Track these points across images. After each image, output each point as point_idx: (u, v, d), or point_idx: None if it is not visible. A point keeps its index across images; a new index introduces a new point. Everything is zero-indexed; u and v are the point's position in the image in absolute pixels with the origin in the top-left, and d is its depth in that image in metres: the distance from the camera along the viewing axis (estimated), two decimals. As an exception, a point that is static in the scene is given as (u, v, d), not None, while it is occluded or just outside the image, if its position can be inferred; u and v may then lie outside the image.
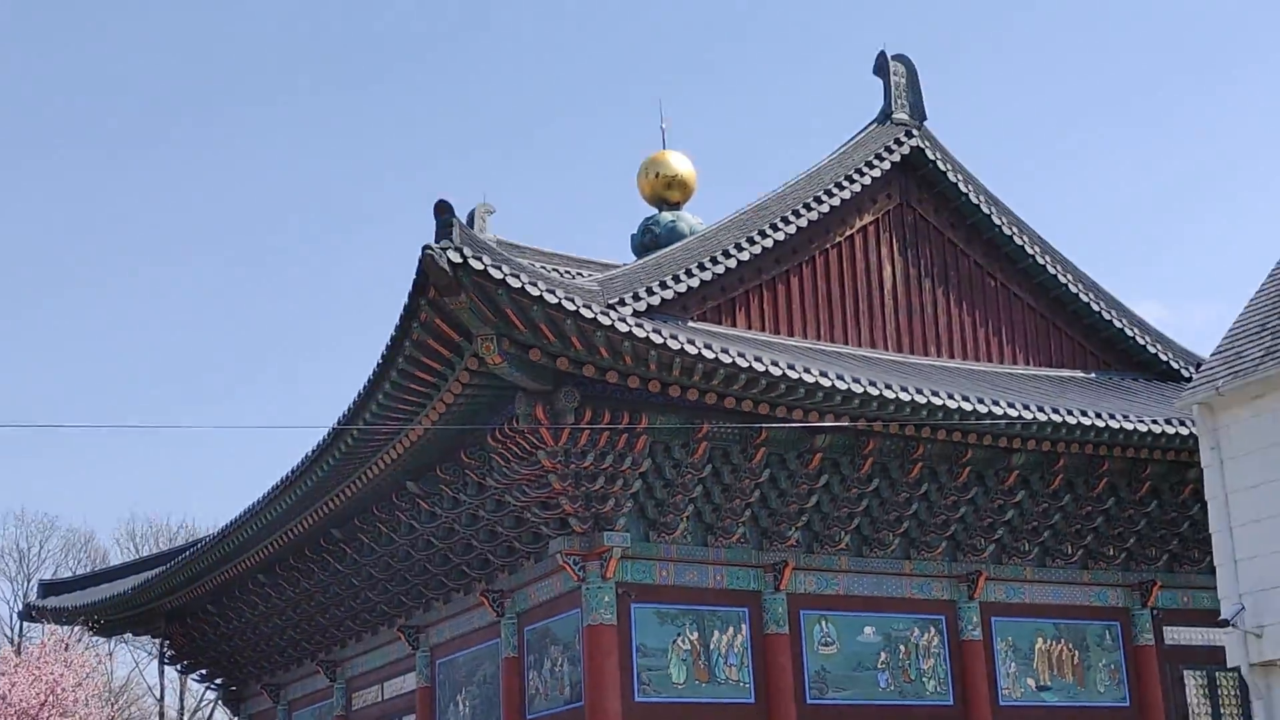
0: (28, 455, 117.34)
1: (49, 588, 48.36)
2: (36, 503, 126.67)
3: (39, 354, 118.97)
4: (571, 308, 25.57)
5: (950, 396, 28.68)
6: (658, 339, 26.14)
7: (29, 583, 64.13)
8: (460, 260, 24.50)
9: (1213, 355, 19.38)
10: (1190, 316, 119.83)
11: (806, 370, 27.49)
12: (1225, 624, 18.49)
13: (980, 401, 28.92)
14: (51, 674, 16.00)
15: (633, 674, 28.89)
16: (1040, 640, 33.17)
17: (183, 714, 67.77)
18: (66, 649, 16.76)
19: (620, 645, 28.83)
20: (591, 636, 28.64)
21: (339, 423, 28.90)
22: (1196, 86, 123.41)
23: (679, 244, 33.99)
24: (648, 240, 40.99)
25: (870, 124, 35.81)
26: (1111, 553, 33.76)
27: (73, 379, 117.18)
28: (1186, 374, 36.25)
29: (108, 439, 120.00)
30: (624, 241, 45.57)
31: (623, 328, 25.99)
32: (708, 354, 26.49)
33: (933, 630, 32.10)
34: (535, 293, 25.10)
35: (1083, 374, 35.82)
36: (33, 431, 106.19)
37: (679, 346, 26.32)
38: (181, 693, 67.40)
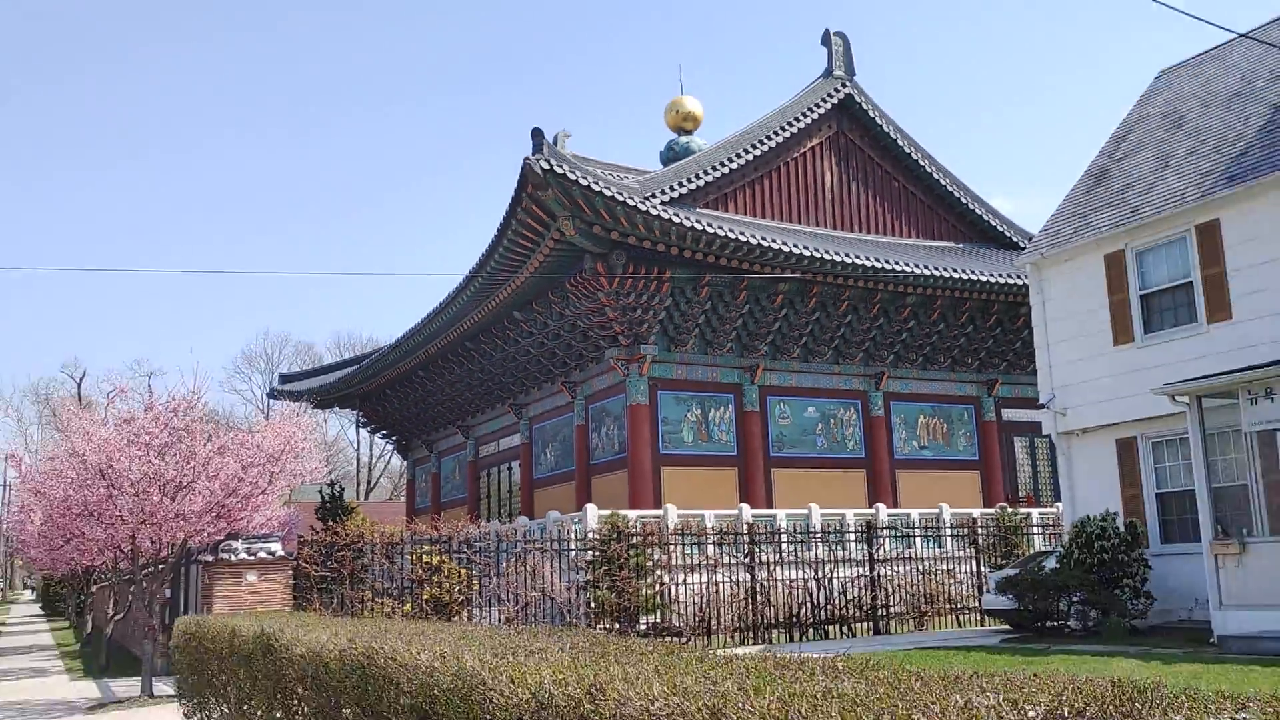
0: (268, 288, 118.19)
1: (285, 378, 49.16)
2: (276, 323, 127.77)
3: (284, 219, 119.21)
4: (621, 198, 25.67)
5: (866, 258, 28.65)
6: (676, 220, 26.22)
7: (273, 375, 65.06)
8: (548, 167, 24.61)
9: (1040, 232, 19.31)
10: (1029, 204, 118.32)
11: (771, 240, 27.59)
12: (1042, 407, 18.67)
13: (886, 261, 28.91)
14: (287, 430, 16.26)
15: (659, 436, 29.43)
16: (922, 417, 33.48)
17: (372, 458, 69.05)
18: (297, 415, 16.90)
19: (650, 418, 29.37)
20: (632, 412, 29.17)
21: (471, 271, 29.09)
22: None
23: (691, 158, 33.61)
24: (671, 155, 40.49)
25: (817, 78, 35.11)
26: (969, 360, 33.86)
27: (293, 236, 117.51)
28: (1023, 245, 36.01)
29: (322, 280, 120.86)
30: (655, 156, 45.51)
31: (654, 212, 26.10)
32: (708, 230, 26.57)
33: (852, 410, 32.42)
34: (597, 189, 25.24)
35: (954, 244, 35.49)
36: (273, 271, 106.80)
37: (690, 225, 26.42)
38: (370, 445, 68.58)
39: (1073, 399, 17.66)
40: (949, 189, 35.56)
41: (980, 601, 21.12)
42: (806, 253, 27.75)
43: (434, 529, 18.33)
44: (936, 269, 29.58)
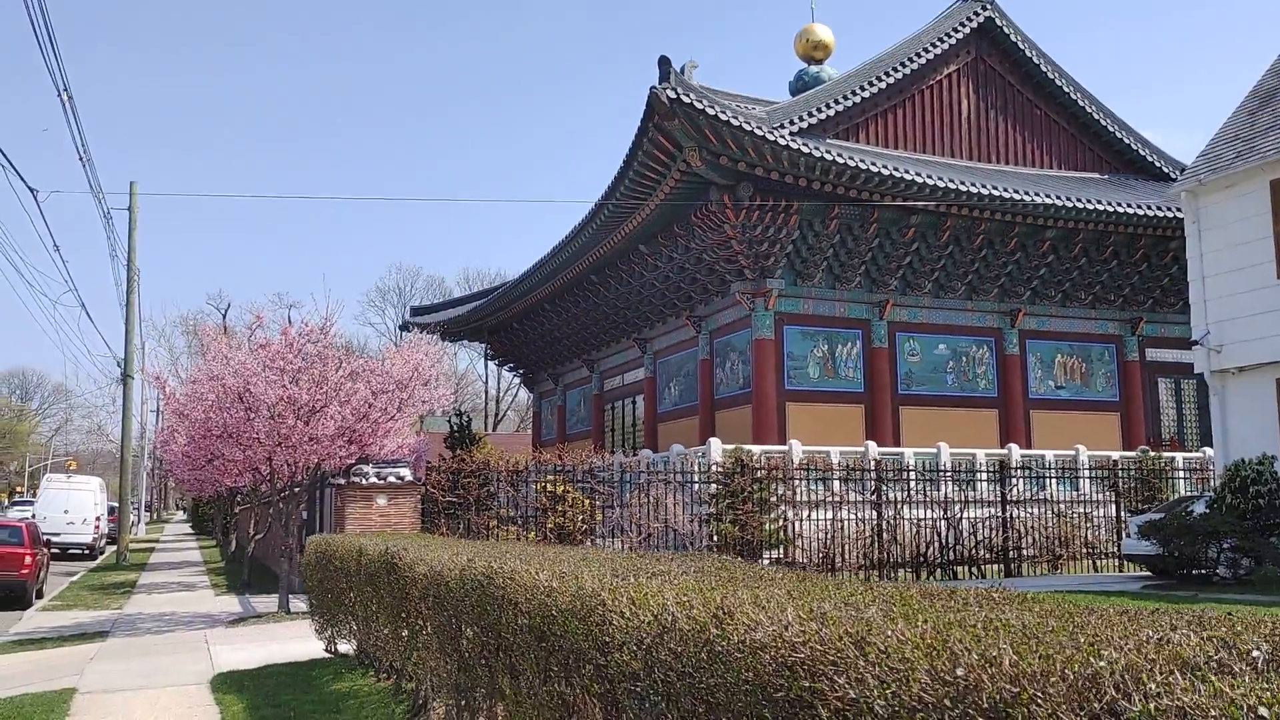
0: (402, 223, 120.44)
1: (416, 310, 50.03)
2: (408, 257, 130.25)
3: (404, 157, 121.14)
4: (749, 128, 25.06)
5: (1004, 189, 27.45)
6: (805, 150, 25.52)
7: (404, 308, 66.45)
8: (675, 96, 24.14)
9: (1197, 158, 18.04)
10: (1172, 138, 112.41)
11: (903, 170, 26.64)
12: (1194, 344, 17.59)
13: (1025, 193, 27.66)
14: (415, 358, 16.39)
15: (784, 371, 29.00)
16: (1060, 356, 32.20)
17: (499, 391, 70.19)
18: (426, 344, 17.03)
19: (776, 353, 28.94)
20: (758, 347, 28.77)
21: (597, 202, 28.91)
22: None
23: (821, 87, 32.67)
24: (799, 85, 39.37)
25: (955, 2, 33.62)
26: (1112, 298, 32.32)
27: (425, 169, 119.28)
28: (1173, 175, 34.06)
29: (452, 214, 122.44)
30: (784, 86, 44.41)
31: (781, 142, 25.45)
32: (837, 160, 25.79)
33: (985, 348, 31.37)
34: (724, 118, 24.67)
35: (1099, 175, 33.76)
36: (407, 205, 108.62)
37: (819, 155, 25.68)
38: (498, 379, 69.67)
39: (1229, 335, 16.60)
40: (1094, 115, 33.78)
41: (1119, 547, 20.25)
42: (940, 184, 26.71)
43: (559, 459, 18.37)
44: (1078, 201, 28.18)
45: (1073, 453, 26.12)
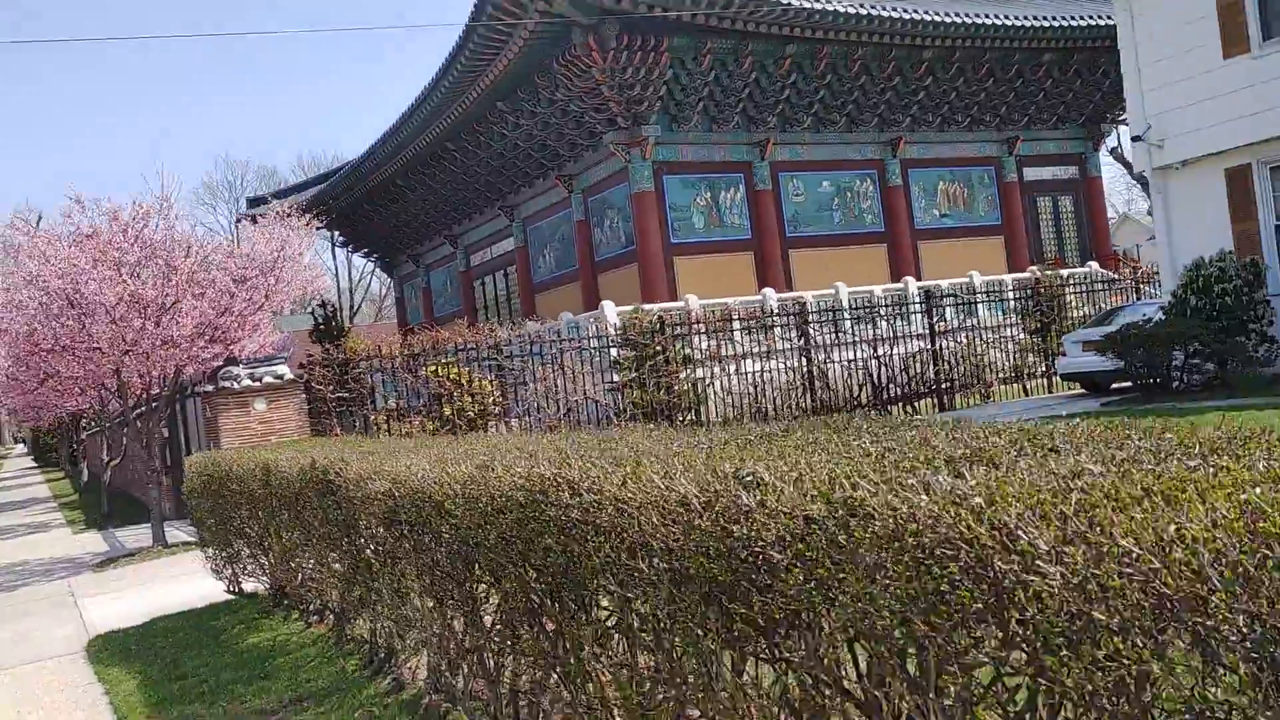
0: (221, 110, 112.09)
1: (252, 202, 45.80)
2: (234, 150, 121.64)
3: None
4: (612, -45, 22.51)
5: (875, 6, 25.70)
6: (676, -24, 23.14)
7: (237, 203, 61.72)
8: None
9: (1123, -64, 16.34)
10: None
11: (781, -6, 24.55)
12: (1136, 139, 16.18)
13: (894, 9, 25.97)
14: (280, 234, 13.76)
15: (668, 224, 27.11)
16: (941, 183, 31.13)
17: (351, 284, 66.41)
18: (288, 216, 14.38)
19: (658, 205, 26.96)
20: (638, 200, 26.73)
21: (450, 55, 25.96)
22: None
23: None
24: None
25: None
26: (989, 119, 31.22)
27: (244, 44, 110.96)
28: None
29: (279, 96, 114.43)
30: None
31: (650, -33, 22.98)
32: (713, -16, 23.49)
33: (869, 180, 30.02)
34: (585, -56, 22.03)
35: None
36: (232, 80, 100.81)
37: (692, -19, 23.34)
38: (349, 268, 65.84)
39: (1171, 128, 15.30)
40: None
41: (1049, 367, 19.34)
42: (829, 7, 24.71)
43: (459, 335, 16.12)
44: (969, 16, 26.63)
45: (966, 279, 25.20)
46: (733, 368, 17.15)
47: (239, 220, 47.14)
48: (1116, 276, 26.47)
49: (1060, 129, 32.69)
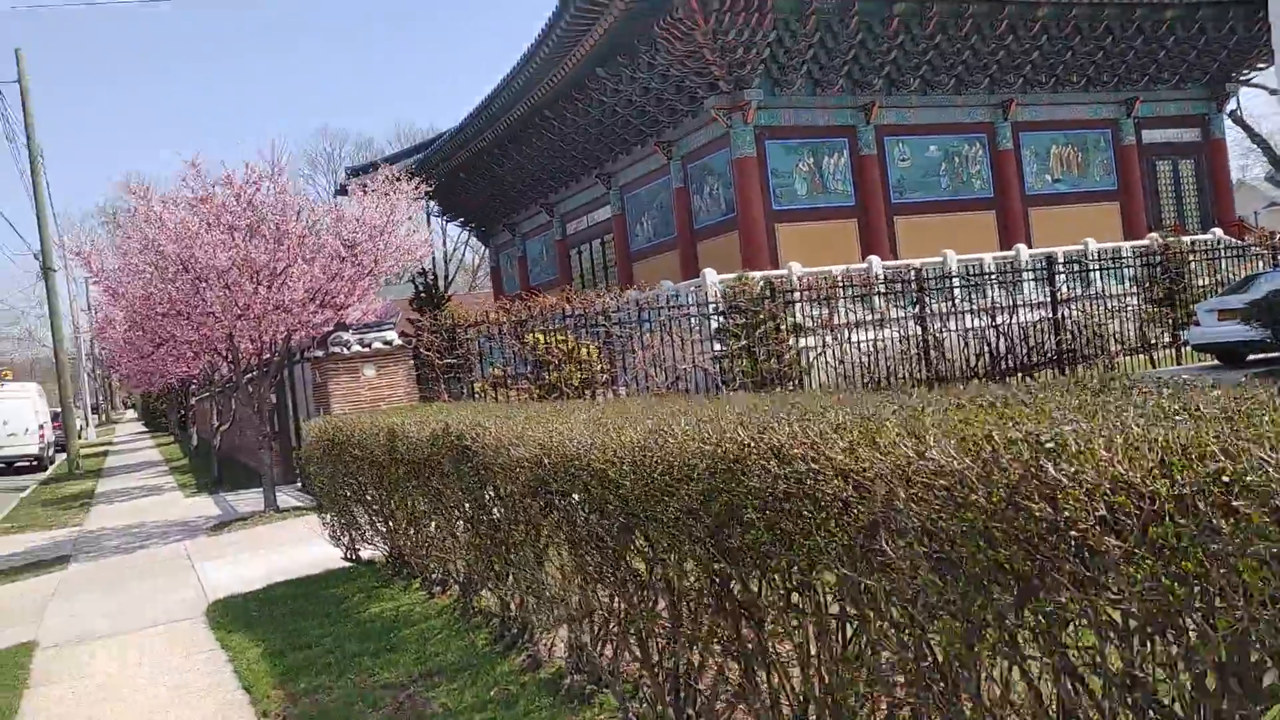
0: (321, 83, 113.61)
1: (351, 172, 46.16)
2: (333, 122, 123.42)
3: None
4: (717, -87, 21.87)
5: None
6: (782, -67, 22.43)
7: (337, 174, 62.44)
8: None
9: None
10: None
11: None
12: (1275, 93, 15.08)
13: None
14: (392, 198, 13.56)
15: (769, 190, 26.46)
16: (1054, 146, 29.88)
17: (446, 253, 66.75)
18: (397, 180, 14.17)
19: (759, 171, 26.32)
20: (739, 167, 26.12)
21: (548, 22, 25.59)
22: None
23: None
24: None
25: None
26: (1106, 78, 29.82)
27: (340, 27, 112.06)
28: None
29: (376, 70, 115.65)
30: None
31: (756, -74, 22.28)
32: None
33: (978, 145, 28.94)
34: (690, -98, 21.43)
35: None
36: (326, 62, 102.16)
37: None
38: (443, 238, 66.11)
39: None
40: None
41: (1175, 337, 18.35)
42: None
43: (566, 301, 15.80)
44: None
45: (1081, 246, 24.10)
46: (844, 336, 16.55)
47: (340, 190, 47.61)
48: (1243, 243, 25.10)
49: (1182, 89, 31.11)
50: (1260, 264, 23.35)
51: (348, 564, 9.41)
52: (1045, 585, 1.92)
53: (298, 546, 11.09)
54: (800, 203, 26.84)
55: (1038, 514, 1.89)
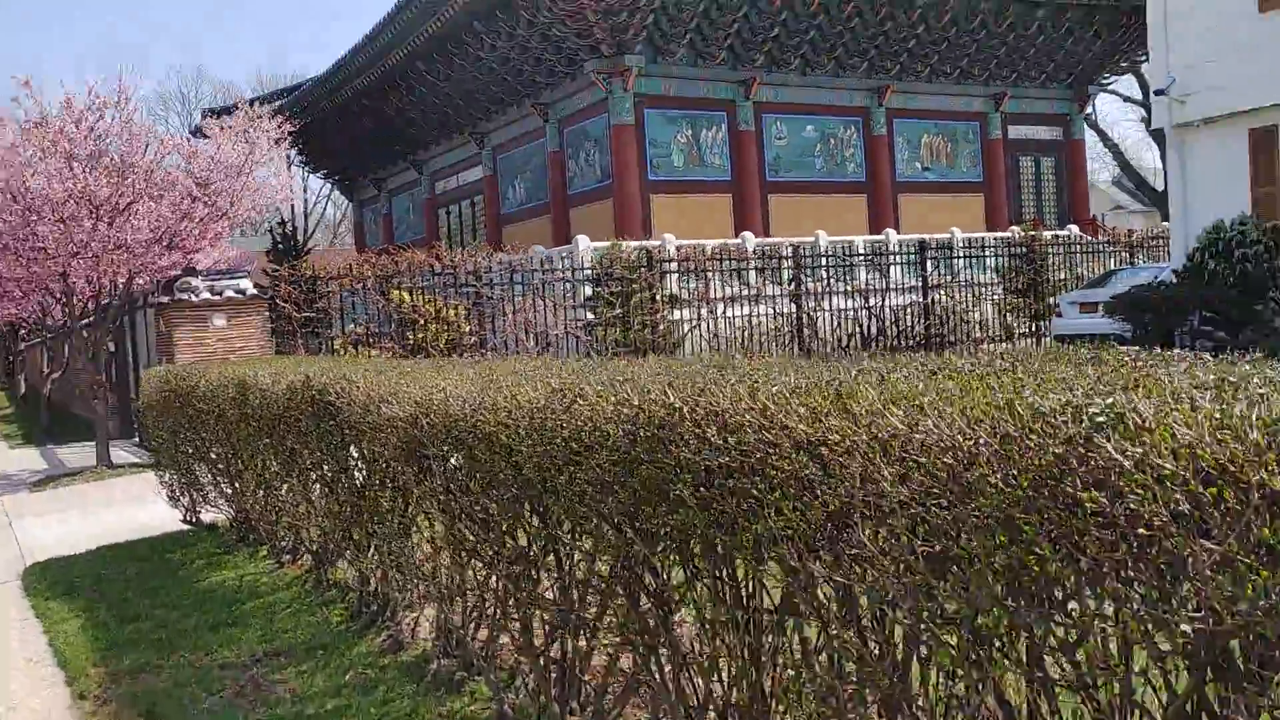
0: (179, 14, 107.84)
1: (209, 114, 43.84)
2: (189, 59, 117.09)
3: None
4: None
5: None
6: (673, -103, 21.95)
7: (192, 116, 59.25)
8: None
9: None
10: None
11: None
12: (1159, 94, 15.34)
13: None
14: (253, 136, 12.60)
15: (646, 160, 26.05)
16: (926, 135, 30.30)
17: (306, 207, 64.26)
18: (257, 118, 13.19)
19: (637, 139, 25.88)
20: (617, 134, 25.63)
21: (427, -31, 24.56)
22: None
23: None
24: None
25: None
26: (978, 72, 30.37)
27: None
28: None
29: (238, 11, 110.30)
30: None
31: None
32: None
33: (853, 128, 29.11)
34: None
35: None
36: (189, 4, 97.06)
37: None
38: (304, 191, 63.63)
39: (1195, 83, 14.55)
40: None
41: (1037, 328, 18.73)
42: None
43: (435, 259, 15.06)
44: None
45: (947, 236, 24.48)
46: (720, 310, 16.30)
47: (195, 131, 45.15)
48: (1097, 241, 25.93)
49: (1048, 88, 31.97)
50: (1114, 261, 24.16)
51: (187, 527, 8.62)
52: (1092, 594, 1.54)
53: (132, 506, 10.19)
54: (677, 174, 26.54)
55: (1088, 505, 1.50)
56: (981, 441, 1.69)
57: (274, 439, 5.70)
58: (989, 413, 1.73)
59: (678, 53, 26.02)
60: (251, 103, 37.05)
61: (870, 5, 27.08)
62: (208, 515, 8.53)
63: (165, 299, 13.28)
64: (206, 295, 13.22)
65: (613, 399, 2.74)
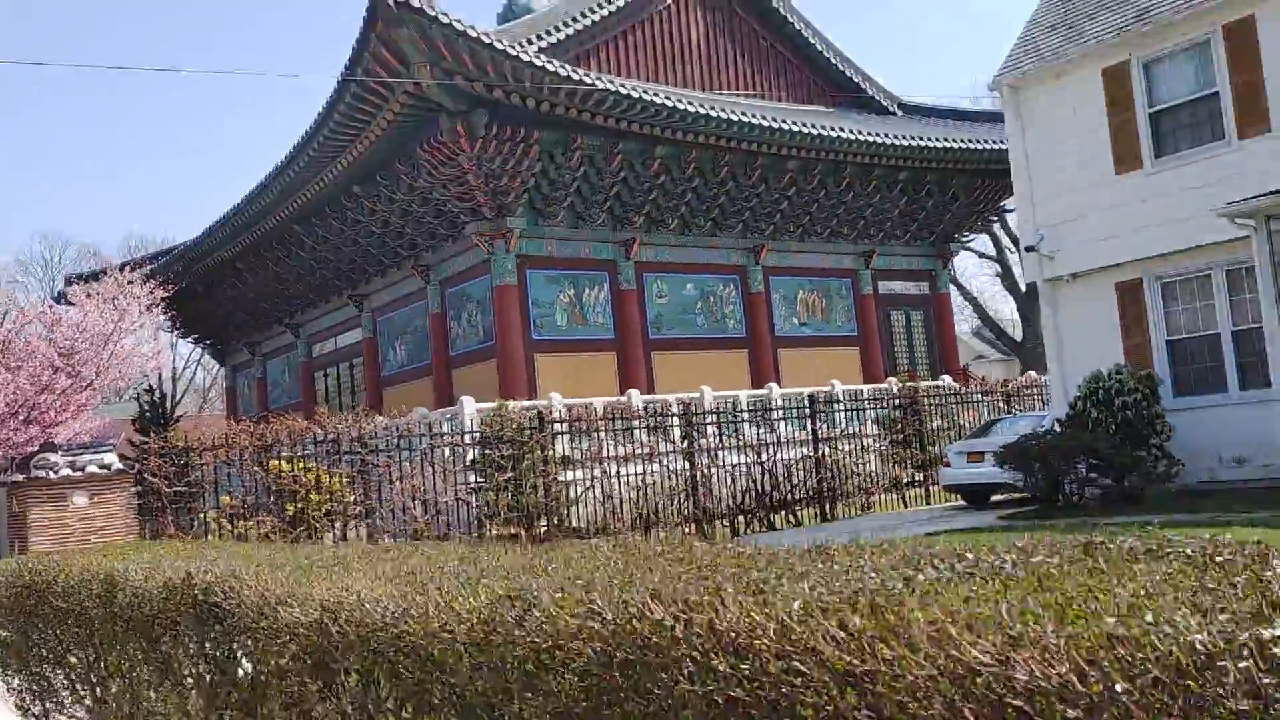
0: (44, 180, 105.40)
1: (71, 280, 42.35)
2: (52, 223, 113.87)
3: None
4: (489, 41, 21.64)
5: (763, 118, 25.74)
6: (553, 68, 22.45)
7: (54, 282, 57.19)
8: (403, 0, 20.32)
9: (1013, 48, 16.37)
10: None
11: (654, 94, 24.23)
12: (1030, 250, 15.88)
13: (783, 122, 26.06)
14: (123, 304, 11.94)
15: (530, 320, 25.93)
16: (801, 292, 31.05)
17: (174, 372, 62.15)
18: (128, 284, 12.55)
19: (520, 299, 25.80)
20: (500, 294, 25.52)
21: (307, 133, 24.44)
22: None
23: (541, 12, 29.42)
24: (509, 15, 35.85)
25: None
26: (846, 231, 31.49)
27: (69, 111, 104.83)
28: (893, 110, 33.93)
29: (107, 172, 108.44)
30: (491, 17, 40.67)
31: (526, 58, 22.19)
32: (595, 82, 23.00)
33: (731, 286, 29.66)
34: (461, 28, 21.14)
35: (824, 108, 32.71)
36: (51, 159, 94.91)
37: (571, 75, 22.71)
38: (172, 356, 61.66)
39: (1062, 240, 15.16)
40: (818, 48, 32.77)
41: (928, 477, 18.84)
42: (696, 110, 24.48)
43: (317, 425, 14.36)
44: (832, 129, 26.85)
45: (827, 389, 24.82)
46: (612, 470, 15.90)
47: (57, 299, 43.47)
48: (967, 391, 26.61)
49: (913, 245, 33.32)
50: (987, 409, 24.74)
51: (36, 739, 7.60)
52: None
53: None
54: (560, 334, 26.45)
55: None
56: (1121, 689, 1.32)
57: (147, 643, 5.01)
58: (1113, 644, 1.39)
59: (559, 214, 26.29)
60: (121, 268, 36.06)
61: (743, 170, 27.99)
62: (62, 724, 7.54)
63: (20, 477, 12.24)
64: (66, 471, 12.23)
65: (572, 609, 2.31)
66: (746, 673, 1.86)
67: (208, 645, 4.28)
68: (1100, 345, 14.79)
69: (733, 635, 1.92)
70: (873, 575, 2.07)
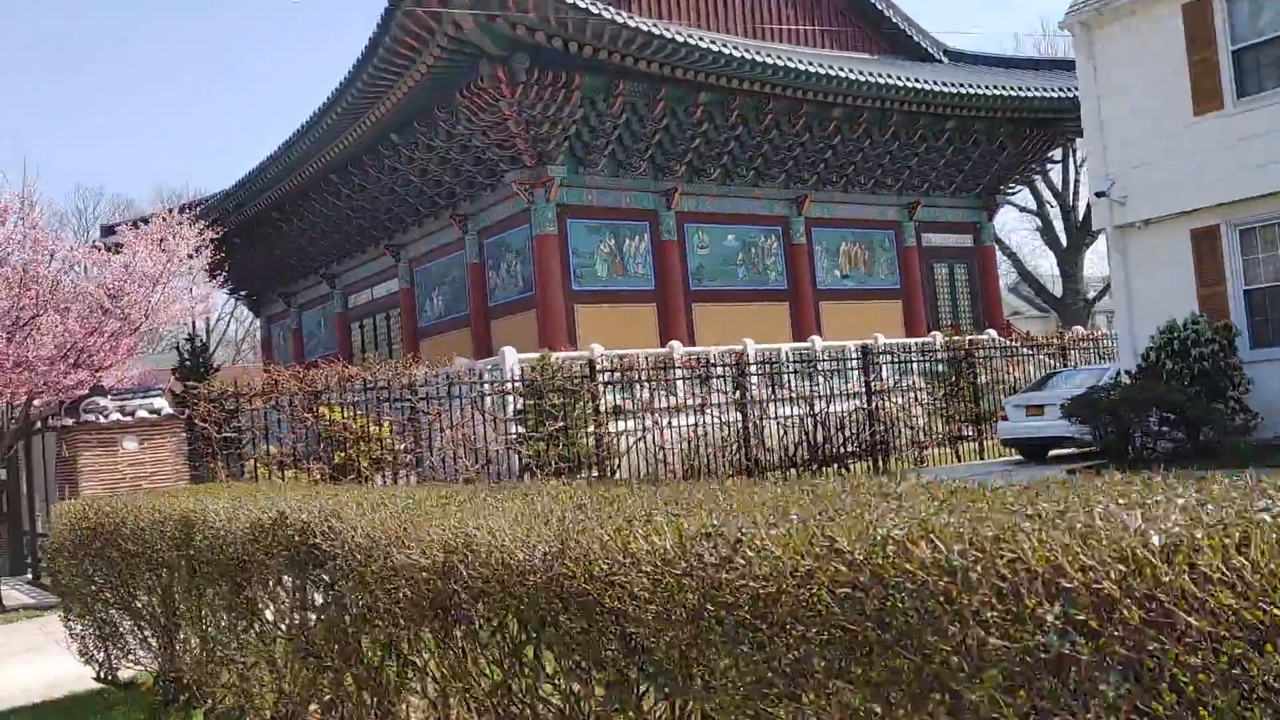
0: (81, 134, 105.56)
1: (106, 230, 42.21)
2: (87, 177, 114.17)
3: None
4: (532, -19, 21.07)
5: (812, 65, 25.08)
6: (595, 9, 21.83)
7: (89, 233, 57.21)
8: (448, -66, 19.79)
9: (1085, -15, 15.62)
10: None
11: (701, 39, 23.58)
12: (1101, 195, 15.26)
13: (829, 68, 25.35)
14: (169, 244, 11.60)
15: (570, 270, 25.51)
16: (844, 244, 30.45)
17: (209, 323, 62.22)
18: (177, 225, 12.21)
19: (560, 249, 25.37)
20: (540, 244, 25.09)
21: (345, 80, 24.00)
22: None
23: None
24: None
25: None
26: (890, 182, 30.81)
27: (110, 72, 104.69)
28: (938, 57, 33.08)
29: (139, 125, 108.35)
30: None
31: (580, 3, 21.56)
32: (641, 26, 22.38)
33: (773, 237, 29.09)
34: (505, -33, 20.58)
35: (868, 55, 31.84)
36: (85, 113, 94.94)
37: (610, 15, 22.07)
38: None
39: (1134, 185, 14.55)
40: (868, -3, 31.87)
41: (980, 431, 18.40)
42: (742, 55, 23.81)
43: (367, 372, 14.06)
44: (881, 76, 26.11)
45: (871, 341, 24.31)
46: (665, 420, 15.54)
47: (94, 249, 43.33)
48: (1014, 344, 26.04)
49: (958, 197, 32.58)
50: (1032, 364, 24.13)
51: (101, 686, 7.38)
52: None
53: (30, 660, 8.83)
54: (601, 284, 26.02)
55: None
56: None
57: (229, 587, 4.69)
58: None
59: (600, 163, 25.78)
60: (172, 211, 35.88)
61: (787, 118, 27.32)
62: (126, 671, 7.31)
63: (69, 421, 12.01)
64: (117, 416, 11.98)
65: (810, 549, 1.92)
66: (1093, 625, 1.47)
67: (304, 590, 3.94)
68: (1173, 295, 14.22)
69: (1062, 577, 1.52)
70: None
